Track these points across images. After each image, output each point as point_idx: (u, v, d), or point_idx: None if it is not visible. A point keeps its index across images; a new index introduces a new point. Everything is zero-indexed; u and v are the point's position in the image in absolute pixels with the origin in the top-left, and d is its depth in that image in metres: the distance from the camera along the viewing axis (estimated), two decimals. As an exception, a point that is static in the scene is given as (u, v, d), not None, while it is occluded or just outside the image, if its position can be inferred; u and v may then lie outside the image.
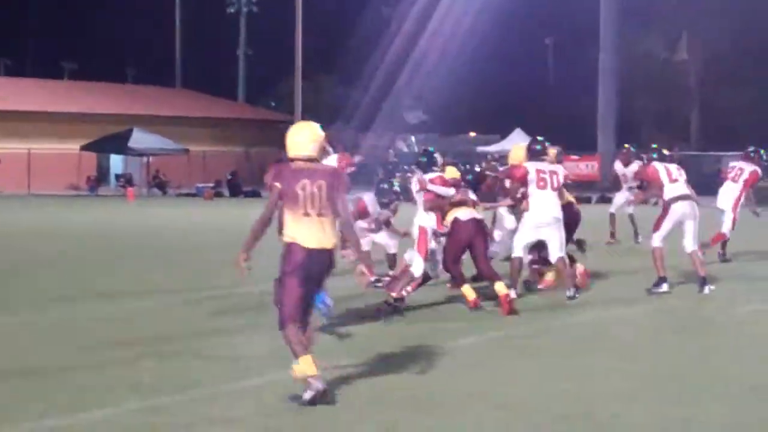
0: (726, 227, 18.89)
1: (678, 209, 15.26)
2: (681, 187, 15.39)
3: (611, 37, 56.71)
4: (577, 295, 14.12)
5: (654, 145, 17.19)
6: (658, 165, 15.85)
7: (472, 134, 69.28)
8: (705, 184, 44.61)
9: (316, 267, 8.44)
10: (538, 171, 14.49)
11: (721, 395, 8.72)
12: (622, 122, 56.68)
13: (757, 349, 10.95)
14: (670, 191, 15.31)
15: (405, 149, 61.11)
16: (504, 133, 59.75)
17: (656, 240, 15.27)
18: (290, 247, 8.43)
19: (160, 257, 20.32)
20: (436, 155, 14.43)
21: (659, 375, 9.55)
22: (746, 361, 10.19)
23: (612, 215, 22.73)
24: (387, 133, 60.96)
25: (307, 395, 8.19)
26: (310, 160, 8.57)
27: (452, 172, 14.30)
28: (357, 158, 17.07)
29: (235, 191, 50.83)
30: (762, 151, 19.56)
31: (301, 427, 7.74)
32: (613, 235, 22.33)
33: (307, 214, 8.41)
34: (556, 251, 14.36)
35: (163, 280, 16.33)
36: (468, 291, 13.43)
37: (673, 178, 15.43)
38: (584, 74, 58.40)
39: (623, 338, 11.59)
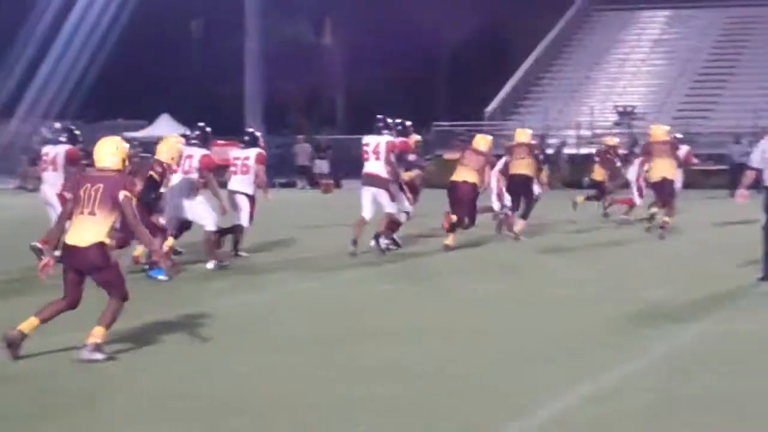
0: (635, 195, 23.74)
1: (363, 185, 17.84)
2: (368, 165, 17.71)
3: (256, 22, 57.04)
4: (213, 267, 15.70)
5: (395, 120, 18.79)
6: (364, 140, 18.04)
7: (120, 120, 68.11)
8: (354, 168, 45.38)
9: (72, 261, 9.50)
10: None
11: (374, 375, 9.00)
12: (270, 106, 57.15)
13: (387, 327, 11.26)
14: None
15: (49, 135, 59.43)
16: (151, 119, 59.12)
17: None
18: None
19: None
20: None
21: (306, 354, 9.77)
22: (376, 340, 10.52)
23: None
24: (31, 118, 59.13)
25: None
26: (109, 169, 9.75)
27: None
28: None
29: None
30: None
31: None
32: None
33: (81, 212, 9.52)
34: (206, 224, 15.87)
35: None
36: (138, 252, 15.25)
37: (366, 157, 17.78)
38: (231, 59, 58.49)
39: (261, 322, 11.72)
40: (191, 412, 7.76)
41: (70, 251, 9.48)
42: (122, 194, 9.53)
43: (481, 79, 56.56)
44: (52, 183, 16.50)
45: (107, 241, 9.52)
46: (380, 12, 61.03)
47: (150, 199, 14.51)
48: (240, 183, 17.32)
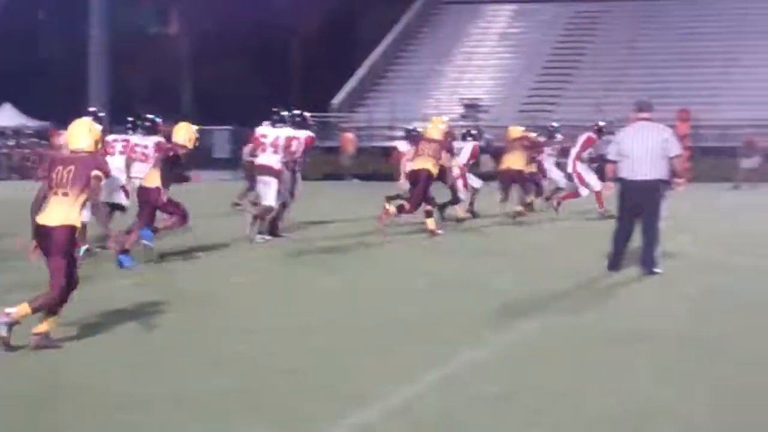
0: (582, 190, 23.70)
1: (258, 175, 18.33)
2: (263, 156, 18.13)
3: (101, 12, 56.22)
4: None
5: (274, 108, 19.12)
6: (260, 131, 18.51)
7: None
8: (200, 159, 44.65)
9: (41, 241, 9.54)
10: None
11: (212, 369, 8.90)
12: (115, 96, 56.35)
13: (231, 321, 11.18)
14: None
15: None
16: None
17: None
18: None
19: None
20: None
21: (142, 348, 9.70)
22: (218, 334, 10.43)
23: None
24: None
25: None
26: (82, 151, 9.82)
27: None
28: None
29: None
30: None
31: None
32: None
33: (55, 193, 9.56)
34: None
35: None
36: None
37: (262, 148, 18.17)
38: (76, 49, 57.53)
39: (107, 313, 11.44)
40: (45, 405, 7.63)
41: (39, 231, 9.57)
42: (93, 173, 9.66)
43: (329, 70, 56.54)
44: None
45: (78, 225, 9.58)
46: (228, 1, 60.60)
47: (172, 175, 15.52)
48: (142, 170, 16.60)
